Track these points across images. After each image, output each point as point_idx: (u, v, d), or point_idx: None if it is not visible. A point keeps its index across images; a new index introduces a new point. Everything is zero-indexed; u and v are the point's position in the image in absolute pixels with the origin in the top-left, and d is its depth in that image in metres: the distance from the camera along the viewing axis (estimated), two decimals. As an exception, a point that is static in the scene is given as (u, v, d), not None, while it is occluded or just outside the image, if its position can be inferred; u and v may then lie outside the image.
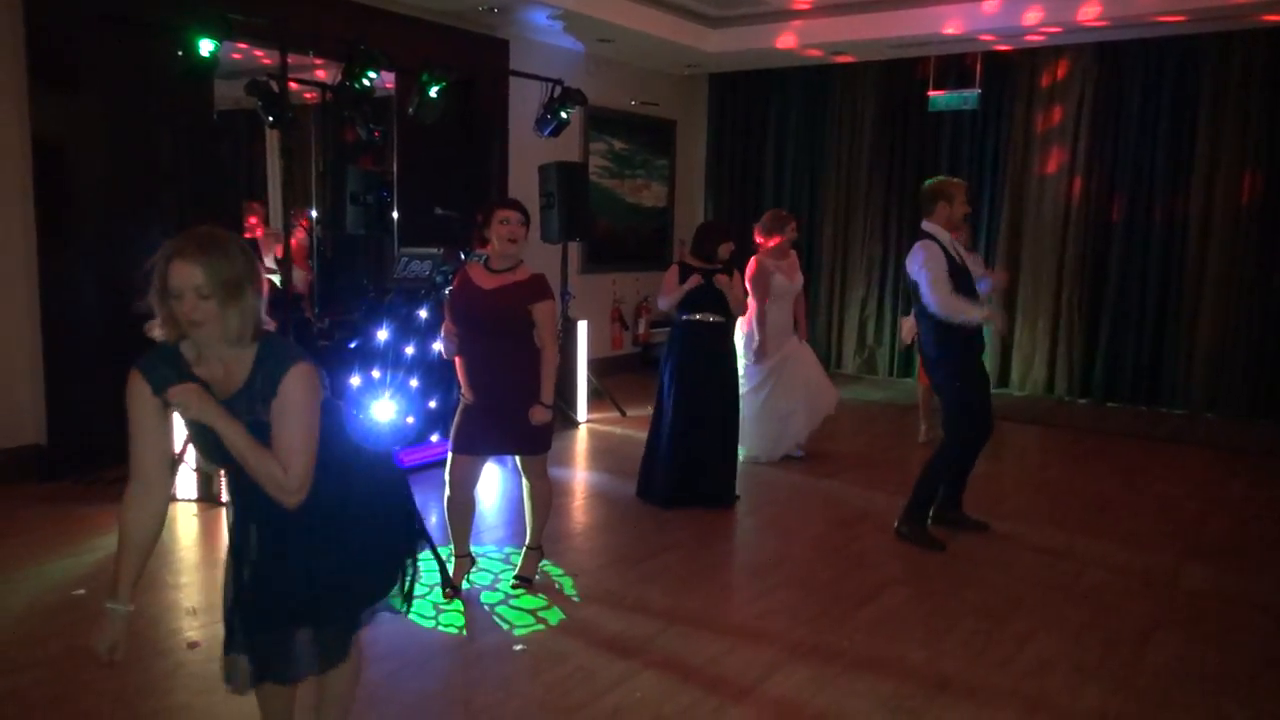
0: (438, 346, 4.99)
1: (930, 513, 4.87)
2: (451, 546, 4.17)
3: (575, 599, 4.05)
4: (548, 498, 4.20)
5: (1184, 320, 8.24)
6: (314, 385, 2.16)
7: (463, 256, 6.06)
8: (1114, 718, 3.15)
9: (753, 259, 6.15)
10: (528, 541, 4.24)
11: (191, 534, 4.79)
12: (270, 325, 2.20)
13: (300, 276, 7.08)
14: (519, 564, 4.24)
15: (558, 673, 3.39)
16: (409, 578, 2.51)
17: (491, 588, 4.14)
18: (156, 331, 2.13)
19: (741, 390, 5.84)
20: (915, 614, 3.98)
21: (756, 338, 6.10)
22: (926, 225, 4.70)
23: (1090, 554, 4.73)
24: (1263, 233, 7.84)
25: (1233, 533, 5.13)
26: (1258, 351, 7.93)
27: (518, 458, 4.09)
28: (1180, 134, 8.11)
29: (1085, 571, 4.50)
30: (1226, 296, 8.02)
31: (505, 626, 3.75)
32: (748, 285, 5.93)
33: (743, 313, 5.50)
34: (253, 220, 7.17)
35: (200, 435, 2.16)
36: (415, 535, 2.56)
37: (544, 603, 3.99)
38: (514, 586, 4.11)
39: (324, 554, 2.29)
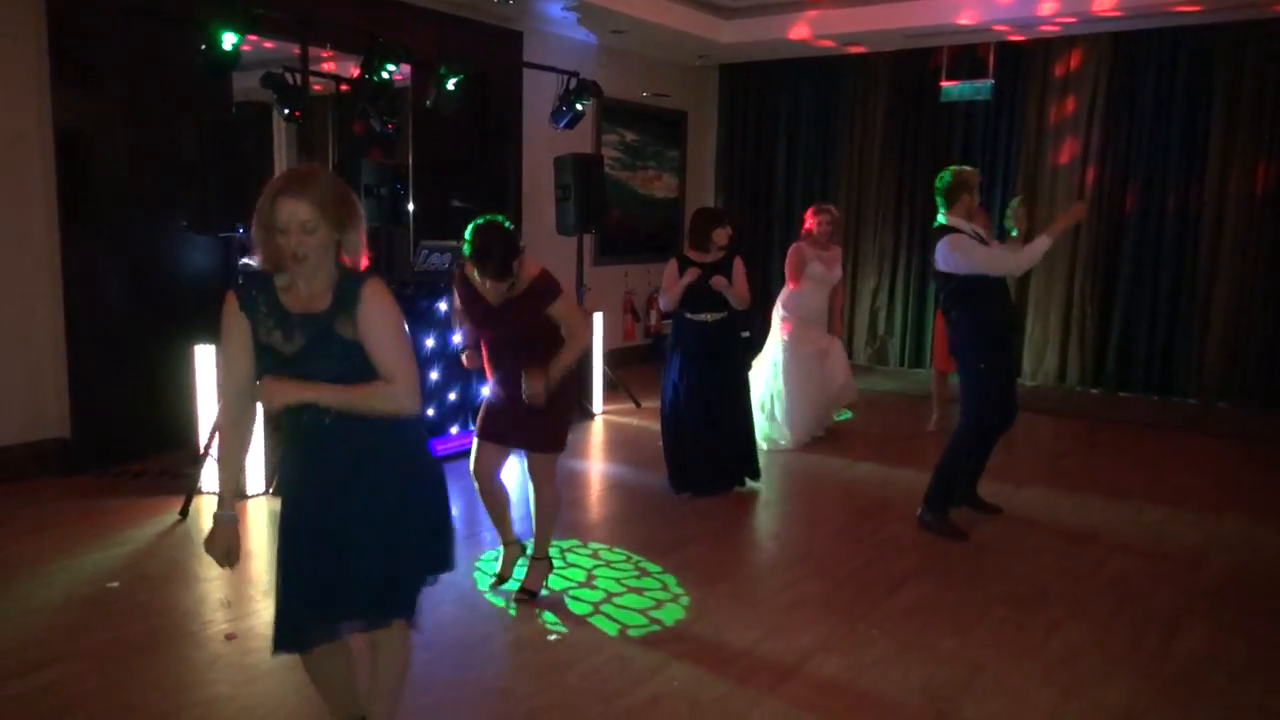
0: (458, 339, 4.98)
1: (950, 500, 4.89)
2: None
3: (605, 589, 4.08)
4: (555, 504, 3.98)
5: (1196, 310, 8.24)
6: (391, 298, 2.29)
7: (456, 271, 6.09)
8: (1145, 707, 3.18)
9: (795, 244, 6.52)
10: (533, 552, 4.00)
11: (218, 526, 4.80)
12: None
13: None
14: (524, 576, 4.01)
15: (593, 661, 3.42)
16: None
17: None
18: (255, 262, 2.28)
19: (771, 373, 6.32)
20: (943, 603, 4.00)
21: (780, 314, 6.41)
22: (951, 219, 4.69)
23: (1112, 543, 4.76)
24: (1276, 223, 7.84)
25: (1252, 521, 5.16)
26: (1270, 341, 7.94)
27: (526, 456, 3.95)
28: (1194, 124, 8.10)
29: (1109, 560, 4.52)
30: (1239, 287, 8.02)
31: (539, 617, 3.79)
32: (786, 267, 6.40)
33: (745, 307, 5.32)
34: None
35: (269, 371, 2.27)
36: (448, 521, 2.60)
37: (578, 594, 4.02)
38: (516, 599, 3.91)
39: (378, 499, 2.36)
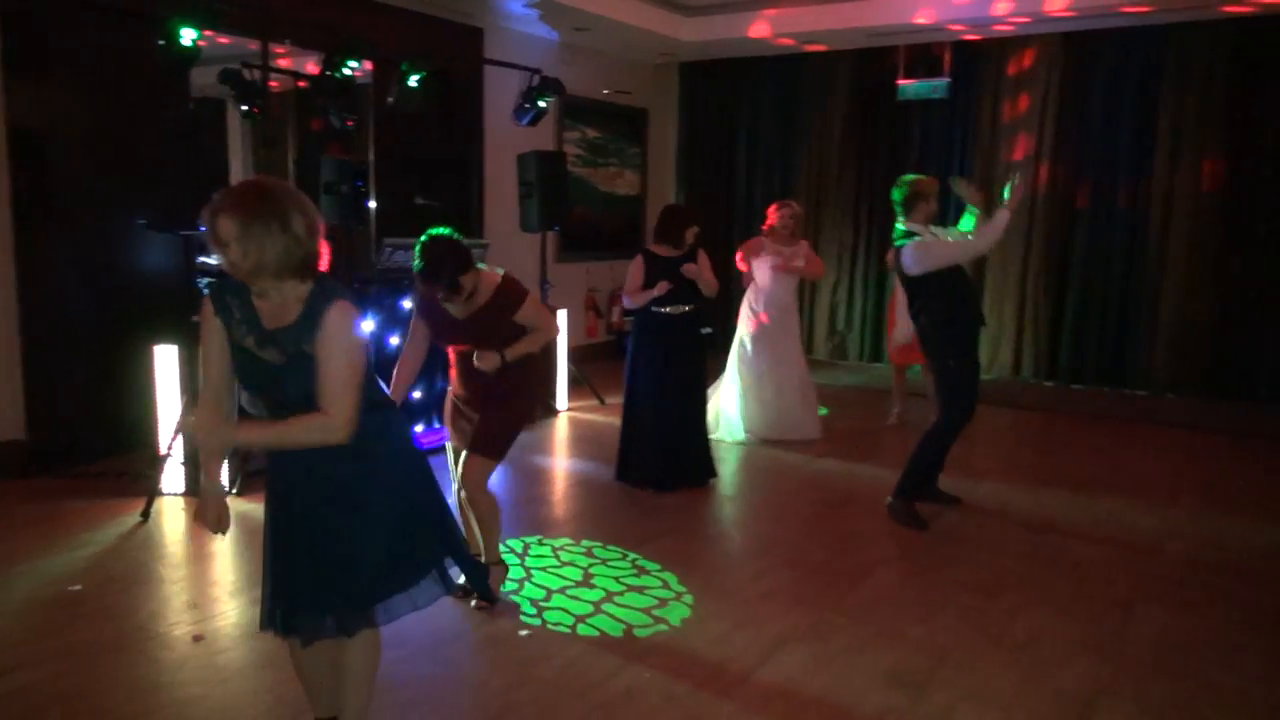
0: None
1: (919, 491, 4.99)
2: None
3: (576, 583, 4.10)
4: (493, 510, 3.84)
5: (1146, 304, 8.46)
6: (356, 325, 2.31)
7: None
8: (1106, 687, 3.27)
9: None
10: (484, 557, 3.87)
11: (180, 528, 4.74)
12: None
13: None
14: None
15: (567, 655, 3.44)
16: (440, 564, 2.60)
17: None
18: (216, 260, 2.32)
19: (731, 366, 6.46)
20: (909, 591, 4.09)
21: (746, 309, 6.57)
22: (910, 225, 4.80)
23: (1070, 531, 4.88)
24: (1223, 219, 8.07)
25: (1204, 508, 5.31)
26: (1217, 333, 8.18)
27: (463, 459, 3.81)
28: (1143, 122, 8.31)
29: (1067, 547, 4.64)
30: (1188, 280, 8.25)
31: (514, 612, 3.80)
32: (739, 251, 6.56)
33: (713, 293, 5.39)
34: None
35: (244, 371, 2.36)
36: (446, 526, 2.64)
37: (543, 594, 4.04)
38: (477, 608, 3.79)
39: (356, 507, 2.42)
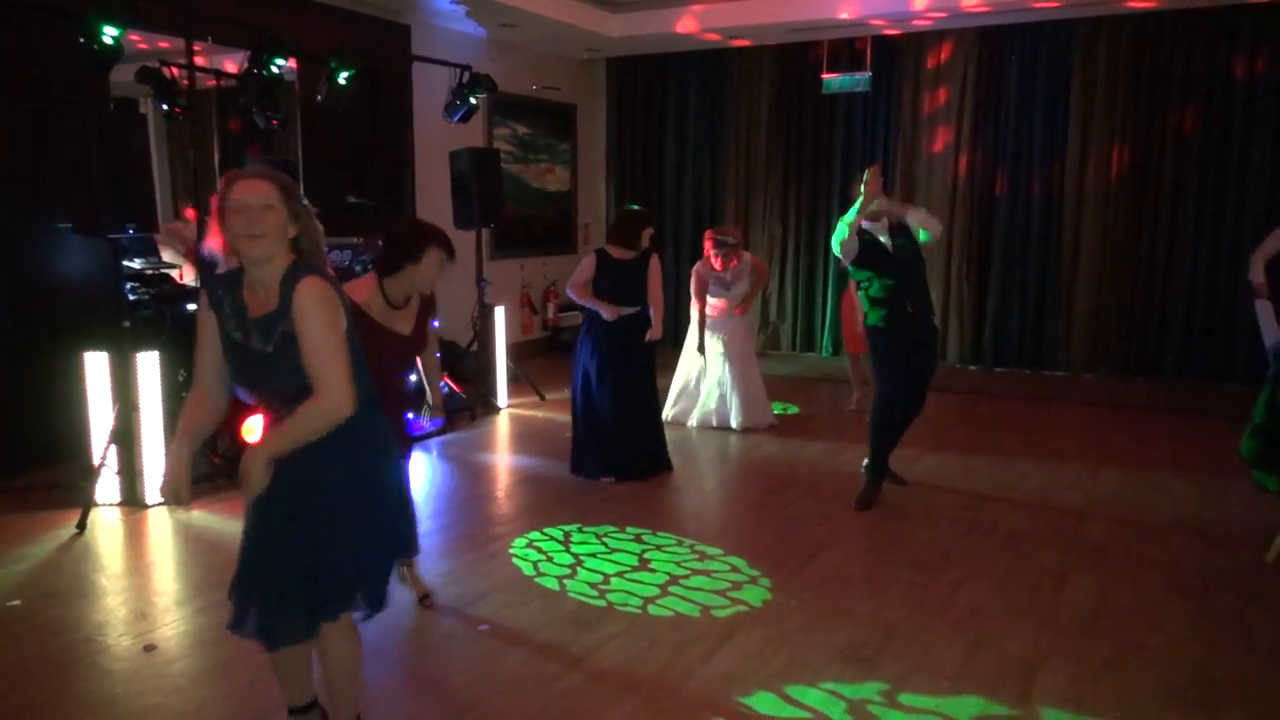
0: None
1: (885, 461, 5.17)
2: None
3: (533, 578, 4.13)
4: None
5: (1063, 288, 8.81)
6: (327, 297, 2.30)
7: (357, 269, 6.05)
8: (1045, 653, 3.44)
9: (695, 266, 6.81)
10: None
11: (118, 538, 4.64)
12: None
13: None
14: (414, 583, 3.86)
15: (527, 648, 3.47)
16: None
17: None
18: (222, 263, 2.37)
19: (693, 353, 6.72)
20: (855, 571, 4.22)
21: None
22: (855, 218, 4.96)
23: (1003, 506, 5.09)
24: (1131, 204, 8.45)
25: (1124, 481, 5.58)
26: (1129, 315, 8.57)
27: None
28: (1055, 113, 8.65)
29: (1001, 522, 4.84)
30: (1100, 264, 8.62)
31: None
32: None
33: (654, 300, 5.55)
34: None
35: (236, 364, 2.38)
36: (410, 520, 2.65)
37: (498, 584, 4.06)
38: (424, 606, 3.78)
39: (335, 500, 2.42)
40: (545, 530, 4.71)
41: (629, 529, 4.73)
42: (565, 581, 4.08)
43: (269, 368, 2.33)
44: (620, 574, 4.16)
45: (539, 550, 4.45)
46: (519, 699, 3.12)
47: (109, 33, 4.87)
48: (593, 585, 4.03)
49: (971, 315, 9.17)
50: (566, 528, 4.74)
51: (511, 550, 4.45)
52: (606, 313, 5.33)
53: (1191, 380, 8.31)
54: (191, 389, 2.47)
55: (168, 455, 2.51)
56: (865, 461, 5.25)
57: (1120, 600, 3.90)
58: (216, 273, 2.41)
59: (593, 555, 4.39)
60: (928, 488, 5.39)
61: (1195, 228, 8.26)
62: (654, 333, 5.49)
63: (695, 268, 6.76)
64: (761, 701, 3.09)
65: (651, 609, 3.80)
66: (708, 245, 6.66)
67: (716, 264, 6.62)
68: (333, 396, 2.26)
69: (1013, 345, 9.05)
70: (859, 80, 9.09)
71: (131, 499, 5.02)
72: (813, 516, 4.94)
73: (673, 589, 4.00)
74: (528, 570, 4.21)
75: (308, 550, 2.38)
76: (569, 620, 3.70)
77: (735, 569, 4.22)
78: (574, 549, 4.47)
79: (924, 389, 5.13)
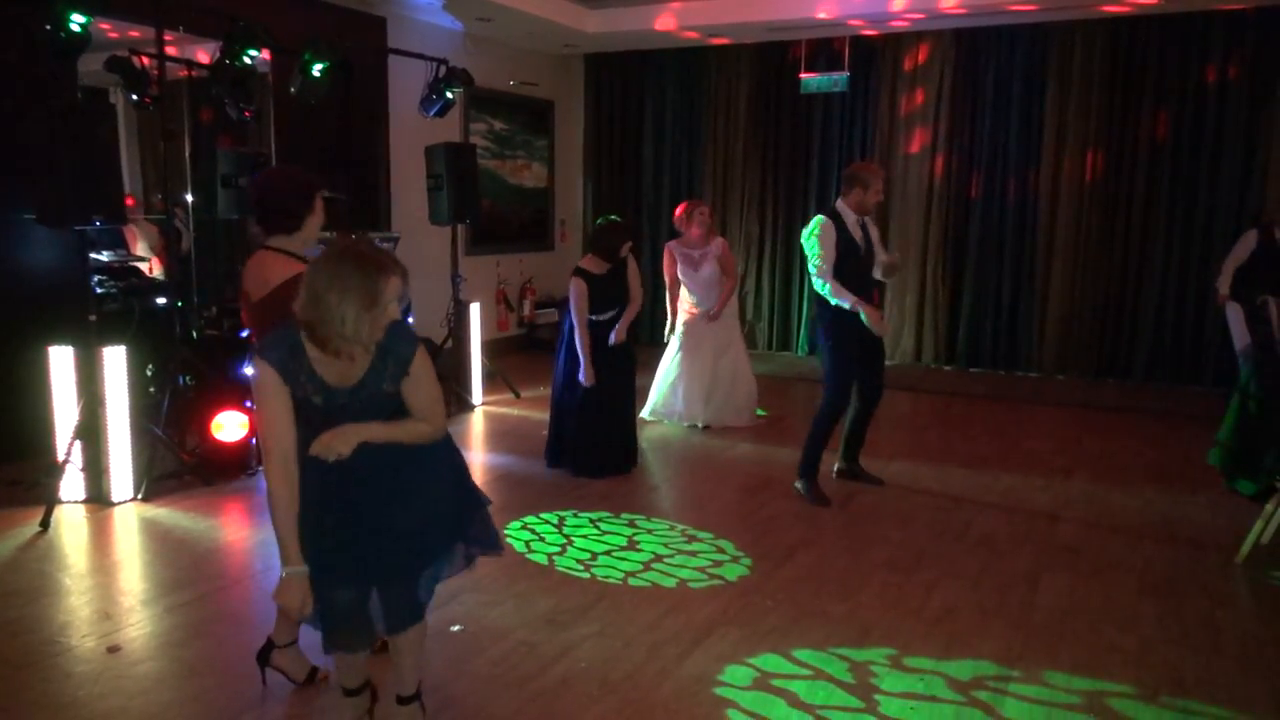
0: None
1: (817, 470, 5.16)
2: None
3: (506, 578, 4.09)
4: None
5: (1036, 290, 8.88)
6: (425, 353, 2.54)
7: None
8: (1018, 654, 3.45)
9: (666, 245, 6.86)
10: None
11: (83, 536, 4.55)
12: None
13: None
14: None
15: (500, 649, 3.44)
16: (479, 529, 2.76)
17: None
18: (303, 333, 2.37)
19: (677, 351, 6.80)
20: (830, 571, 4.21)
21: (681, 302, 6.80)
22: (838, 204, 4.96)
23: (975, 507, 5.10)
24: (1104, 207, 8.53)
25: (1096, 482, 5.62)
26: (1101, 317, 8.64)
27: None
28: (1030, 116, 8.70)
29: (974, 523, 4.86)
30: (1073, 267, 8.69)
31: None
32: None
33: (633, 298, 5.65)
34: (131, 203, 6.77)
35: (308, 420, 2.43)
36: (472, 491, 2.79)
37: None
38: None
39: (405, 505, 2.56)
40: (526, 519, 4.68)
41: (601, 524, 4.71)
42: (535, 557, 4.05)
43: (346, 418, 2.42)
44: (588, 562, 4.13)
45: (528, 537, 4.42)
46: (491, 701, 3.08)
47: (76, 20, 4.76)
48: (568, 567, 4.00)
49: (946, 316, 9.21)
50: (529, 519, 4.71)
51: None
52: (587, 378, 5.45)
53: (1162, 383, 8.40)
54: (272, 467, 2.39)
55: (292, 582, 2.41)
56: (837, 465, 5.26)
57: (1091, 601, 3.92)
58: (267, 340, 2.41)
59: (560, 552, 4.36)
60: (902, 489, 5.40)
61: (1166, 231, 8.34)
62: (618, 335, 5.55)
63: (667, 245, 6.78)
64: (736, 701, 3.07)
65: (624, 610, 3.78)
66: (681, 210, 6.70)
67: (694, 231, 6.59)
68: (438, 426, 2.56)
69: (986, 346, 9.11)
70: (837, 80, 9.10)
71: (96, 496, 4.93)
72: (787, 516, 4.93)
73: (632, 580, 3.98)
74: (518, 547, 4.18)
75: (416, 519, 2.56)
76: (542, 621, 3.67)
77: (713, 556, 4.20)
78: (536, 547, 4.44)
79: (881, 373, 5.20)
